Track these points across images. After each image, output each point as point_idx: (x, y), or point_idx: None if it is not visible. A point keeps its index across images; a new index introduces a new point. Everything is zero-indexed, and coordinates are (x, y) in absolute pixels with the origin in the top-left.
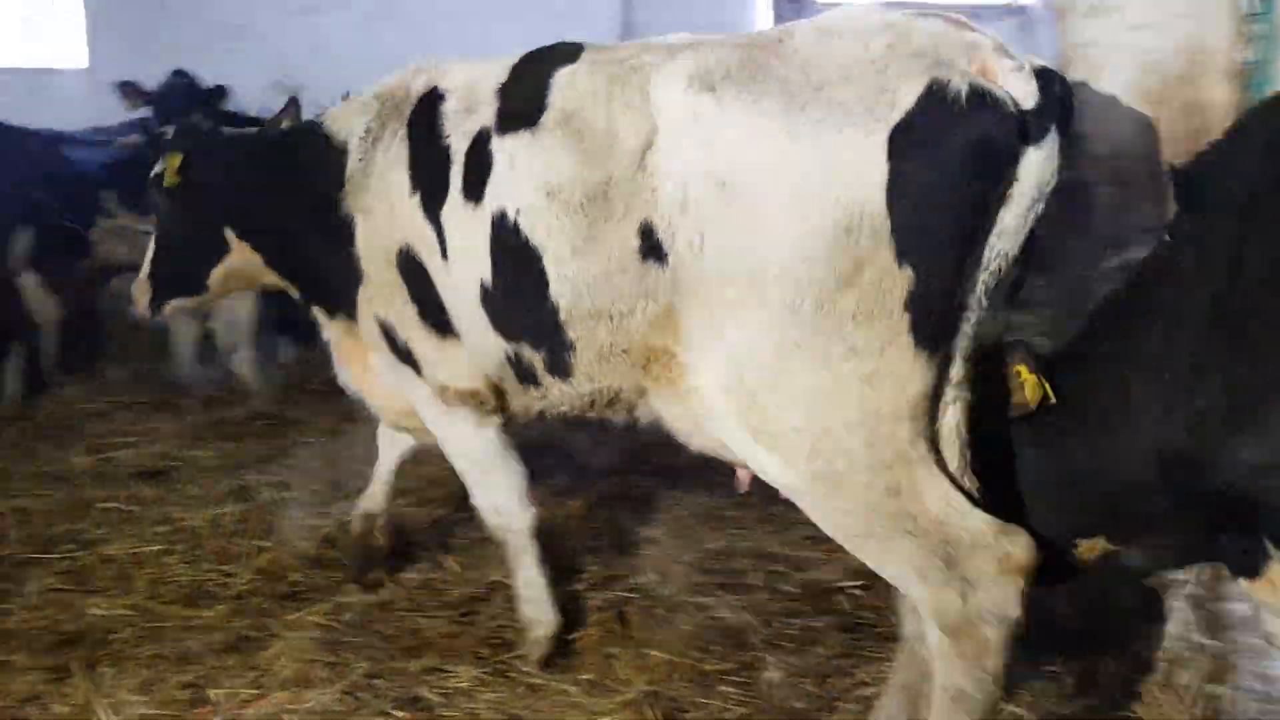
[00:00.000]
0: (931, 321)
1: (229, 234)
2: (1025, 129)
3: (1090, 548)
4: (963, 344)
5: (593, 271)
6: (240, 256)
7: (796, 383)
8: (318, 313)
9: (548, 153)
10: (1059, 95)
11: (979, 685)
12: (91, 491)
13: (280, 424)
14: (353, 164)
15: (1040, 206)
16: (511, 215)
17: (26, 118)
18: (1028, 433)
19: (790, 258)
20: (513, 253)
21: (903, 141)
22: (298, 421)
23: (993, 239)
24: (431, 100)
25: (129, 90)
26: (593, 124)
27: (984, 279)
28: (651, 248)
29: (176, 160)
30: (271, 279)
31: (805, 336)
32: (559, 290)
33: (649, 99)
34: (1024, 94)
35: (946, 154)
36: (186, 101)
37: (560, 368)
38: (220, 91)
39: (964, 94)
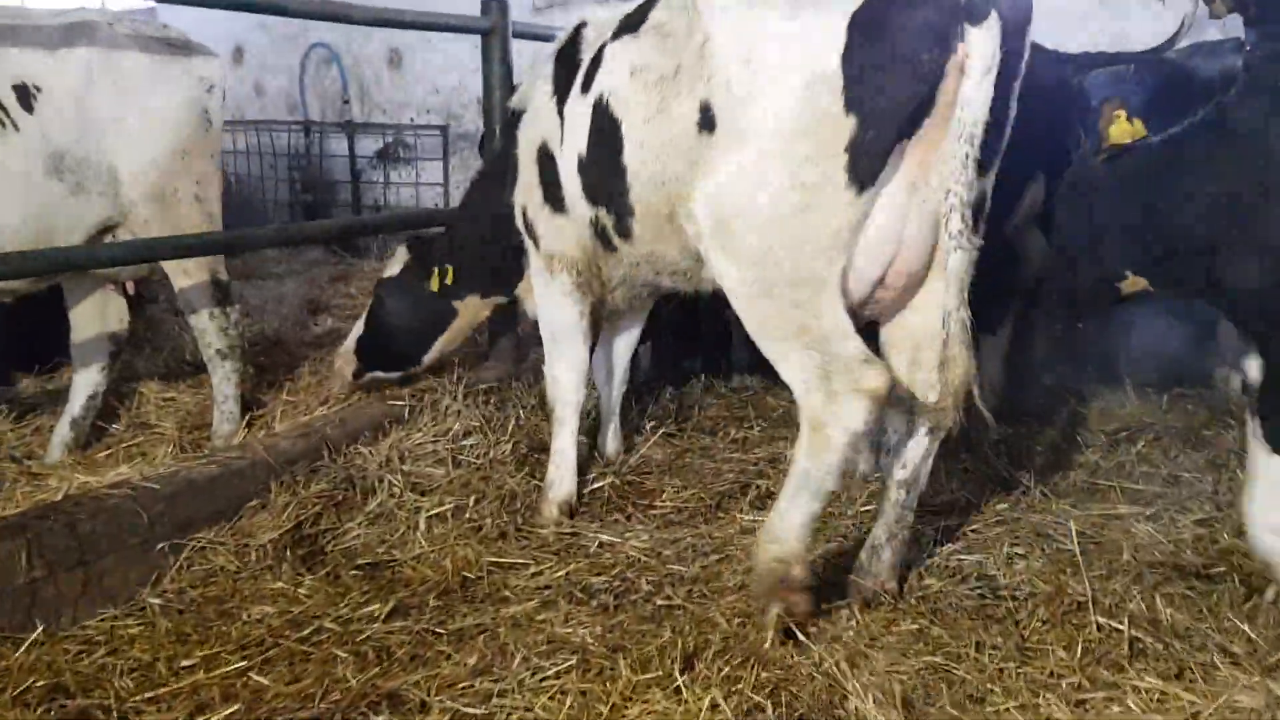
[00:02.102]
0: (863, 164)
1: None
2: (970, 12)
3: (1133, 283)
4: (957, 201)
5: (659, 138)
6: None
7: (757, 210)
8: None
9: (639, 47)
10: None
11: (819, 471)
12: None
13: None
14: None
15: (992, 77)
16: (606, 96)
17: None
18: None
19: (771, 111)
20: (602, 126)
21: (859, 21)
22: None
23: (959, 110)
24: (577, 30)
25: None
26: (676, 28)
27: (964, 148)
28: (707, 120)
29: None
30: None
31: (769, 174)
32: (630, 155)
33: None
34: None
35: (890, 31)
36: None
37: (623, 229)
38: None
39: None
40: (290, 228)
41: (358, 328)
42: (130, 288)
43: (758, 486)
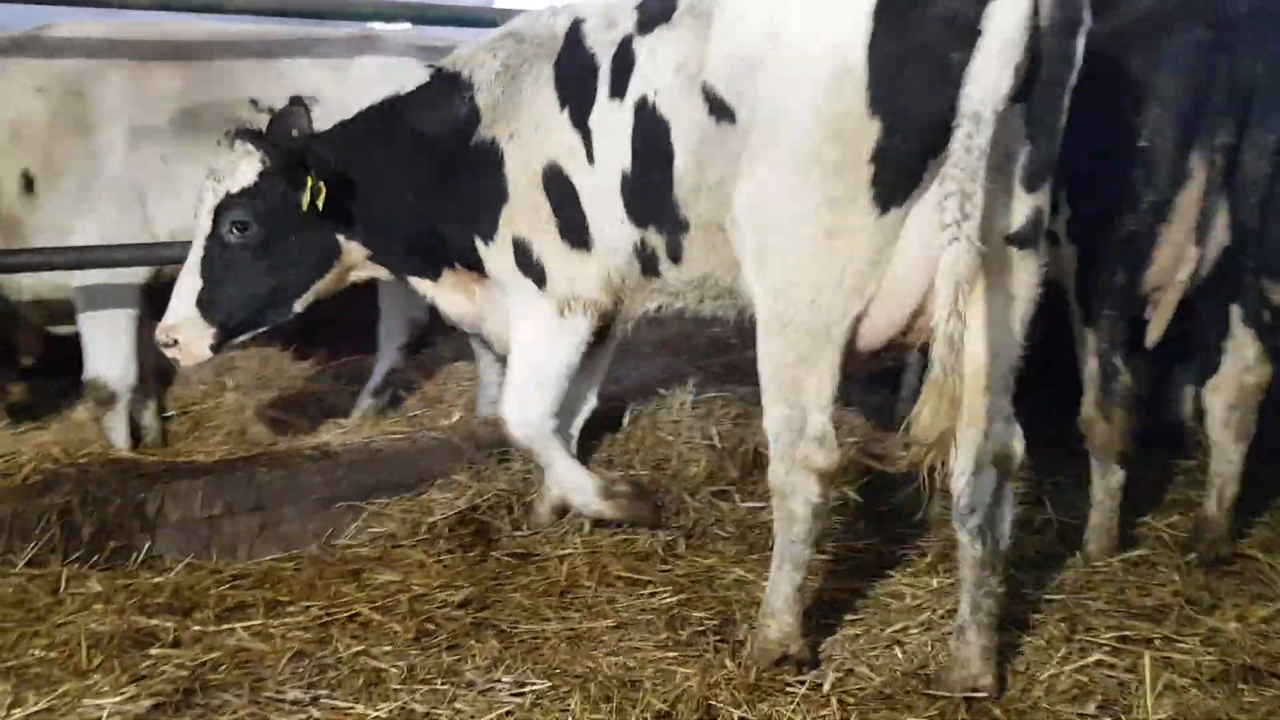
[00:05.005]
0: (889, 177)
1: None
2: None
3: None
4: (955, 187)
5: (695, 139)
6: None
7: (784, 225)
8: (418, 282)
9: (678, 37)
10: None
11: (791, 542)
12: None
13: None
14: (488, 97)
15: (1010, 58)
16: (651, 99)
17: None
18: None
19: (800, 104)
20: (649, 134)
21: (884, 7)
22: None
23: (964, 100)
24: (575, 27)
25: None
26: (707, 8)
27: (967, 127)
28: (718, 107)
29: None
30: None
31: (799, 182)
32: (681, 163)
33: None
34: None
35: (916, 19)
36: None
37: (675, 251)
38: None
39: None
40: None
41: (189, 281)
42: None
43: (949, 556)
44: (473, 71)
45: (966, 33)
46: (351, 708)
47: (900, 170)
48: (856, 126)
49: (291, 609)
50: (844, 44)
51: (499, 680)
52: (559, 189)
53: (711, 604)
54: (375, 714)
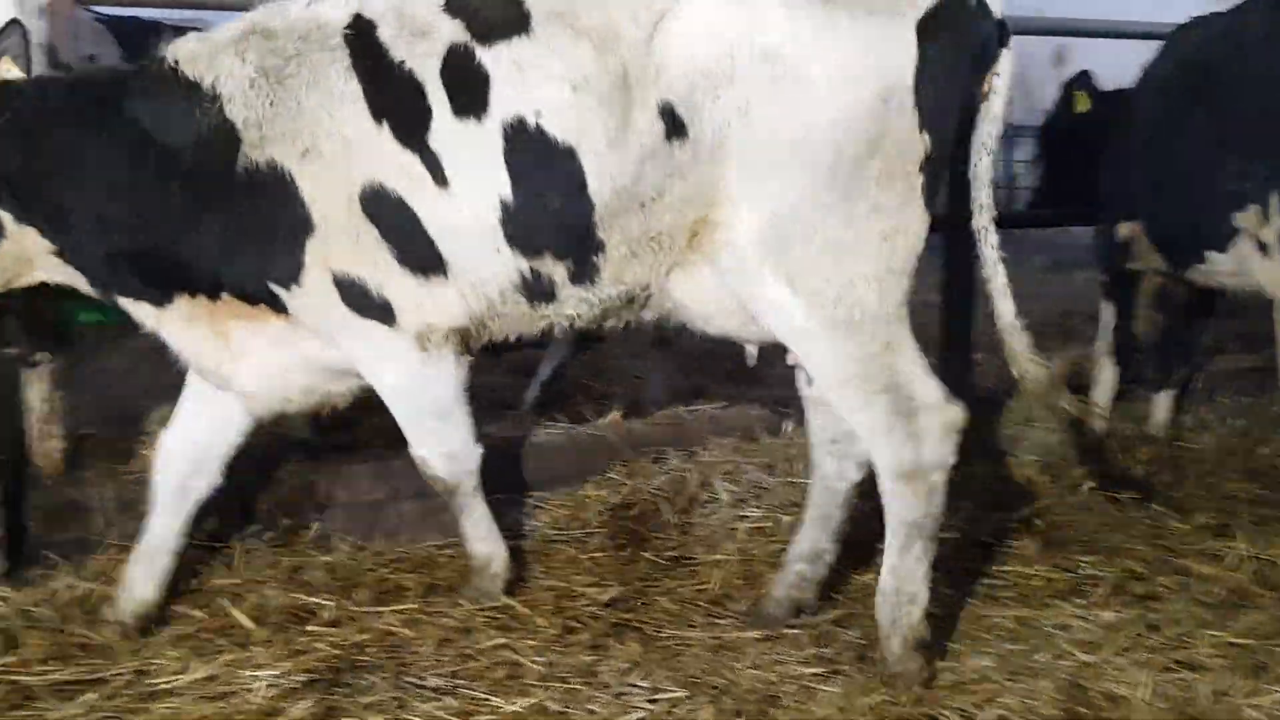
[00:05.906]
0: (933, 183)
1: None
2: (1001, 35)
3: None
4: (990, 216)
5: (630, 160)
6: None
7: (828, 237)
8: (134, 306)
9: (561, 50)
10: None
11: (928, 518)
12: None
13: None
14: (248, 111)
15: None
16: (533, 120)
17: None
18: None
19: (831, 125)
20: (539, 157)
21: (927, 30)
22: None
23: (987, 125)
24: (368, 29)
25: None
26: (592, 20)
27: (986, 159)
28: (675, 126)
29: None
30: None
31: (838, 197)
32: (609, 184)
33: None
34: (996, 6)
35: (959, 43)
36: None
37: (587, 274)
38: None
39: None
40: None
41: None
42: None
43: (1127, 588)
44: (218, 79)
45: (988, 58)
46: (488, 699)
47: (942, 171)
48: (904, 140)
49: (443, 596)
50: (892, 64)
51: (635, 685)
52: (388, 212)
53: (866, 622)
54: (510, 708)
